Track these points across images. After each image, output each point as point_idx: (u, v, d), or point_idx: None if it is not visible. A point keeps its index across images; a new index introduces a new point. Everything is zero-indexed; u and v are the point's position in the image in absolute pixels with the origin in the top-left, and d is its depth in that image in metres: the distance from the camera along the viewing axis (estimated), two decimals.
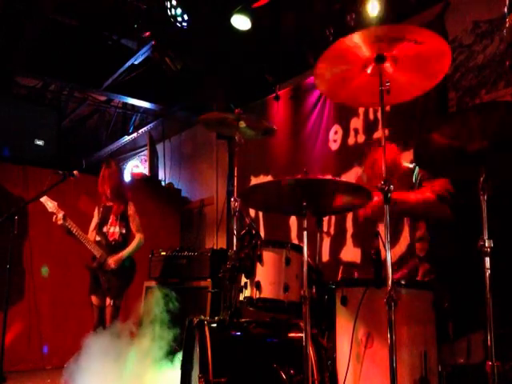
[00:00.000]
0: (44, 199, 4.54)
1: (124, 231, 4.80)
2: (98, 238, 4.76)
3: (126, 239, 4.82)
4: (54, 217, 4.56)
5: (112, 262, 4.62)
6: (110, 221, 4.79)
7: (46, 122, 6.62)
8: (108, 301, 4.64)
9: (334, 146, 5.01)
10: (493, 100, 3.72)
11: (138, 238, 4.85)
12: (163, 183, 7.43)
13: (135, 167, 8.36)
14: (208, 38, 5.31)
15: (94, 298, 4.73)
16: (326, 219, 4.85)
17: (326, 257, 4.83)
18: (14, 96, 6.65)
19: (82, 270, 4.89)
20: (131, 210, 4.88)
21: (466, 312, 2.13)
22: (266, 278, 2.65)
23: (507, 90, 3.69)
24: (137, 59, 5.66)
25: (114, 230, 4.78)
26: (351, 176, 4.71)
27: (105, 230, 4.77)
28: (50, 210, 4.56)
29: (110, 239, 4.74)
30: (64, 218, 4.54)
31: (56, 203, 4.57)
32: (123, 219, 4.81)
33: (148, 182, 7.14)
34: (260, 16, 4.74)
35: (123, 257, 4.69)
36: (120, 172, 5.13)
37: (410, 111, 4.06)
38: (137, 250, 4.84)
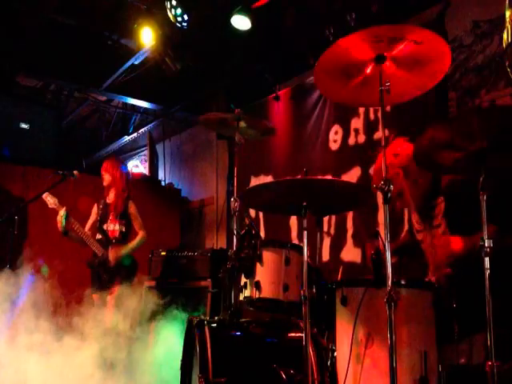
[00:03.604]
0: (45, 195, 4.54)
1: (124, 229, 4.80)
2: (98, 236, 4.77)
3: (125, 237, 4.81)
4: (58, 217, 4.53)
5: (112, 257, 4.62)
6: (110, 218, 4.79)
7: (45, 122, 6.62)
8: (109, 298, 4.63)
9: (334, 146, 5.00)
10: (493, 100, 3.72)
11: (140, 235, 4.84)
12: (163, 183, 7.43)
13: (135, 167, 8.35)
14: (208, 38, 5.32)
15: (95, 297, 4.70)
16: (326, 219, 4.85)
17: (326, 257, 4.83)
18: (14, 96, 6.65)
19: (82, 270, 4.88)
20: (132, 208, 4.87)
21: (470, 313, 2.13)
22: (266, 277, 2.65)
23: (507, 90, 3.68)
24: (137, 59, 5.66)
25: (114, 227, 4.78)
26: (351, 176, 4.71)
27: (105, 227, 4.78)
28: (50, 206, 4.56)
29: (111, 237, 4.75)
30: (67, 216, 4.52)
31: (56, 199, 4.57)
32: (123, 217, 4.81)
33: (148, 182, 7.13)
34: (260, 16, 4.74)
35: (124, 252, 4.69)
36: (124, 165, 5.14)
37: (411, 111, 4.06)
38: (138, 246, 4.83)
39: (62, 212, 4.52)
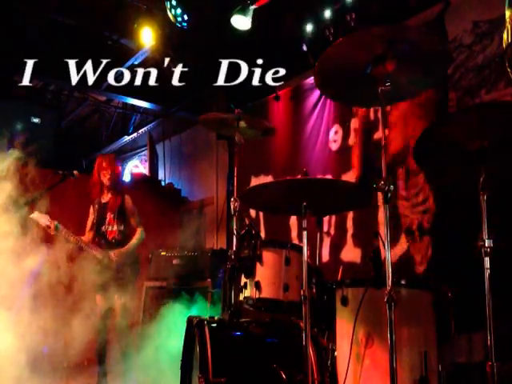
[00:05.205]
0: (36, 216, 4.26)
1: (122, 228, 4.68)
2: (97, 239, 4.69)
3: (125, 236, 4.68)
4: (49, 229, 4.29)
5: (114, 256, 4.52)
6: (107, 220, 4.66)
7: (45, 122, 6.62)
8: (116, 299, 4.52)
9: (334, 147, 5.00)
10: (493, 100, 3.72)
11: (139, 232, 4.73)
12: (163, 183, 7.43)
13: (135, 167, 8.37)
14: (208, 38, 5.32)
15: (98, 298, 4.52)
16: (326, 219, 4.85)
17: (326, 257, 4.82)
18: (14, 96, 6.65)
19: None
20: (129, 203, 4.75)
21: (468, 310, 2.13)
22: (266, 277, 2.65)
23: (507, 90, 3.68)
24: (137, 59, 5.67)
25: (112, 228, 4.67)
26: (351, 176, 4.70)
27: (103, 229, 4.66)
28: (43, 224, 4.30)
29: (110, 238, 4.65)
30: (57, 228, 4.32)
31: (48, 216, 4.32)
32: (120, 215, 4.69)
33: (148, 182, 7.14)
34: (260, 16, 4.74)
35: (125, 251, 4.60)
36: (117, 162, 5.04)
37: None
38: (139, 244, 4.72)
39: (53, 225, 4.29)
